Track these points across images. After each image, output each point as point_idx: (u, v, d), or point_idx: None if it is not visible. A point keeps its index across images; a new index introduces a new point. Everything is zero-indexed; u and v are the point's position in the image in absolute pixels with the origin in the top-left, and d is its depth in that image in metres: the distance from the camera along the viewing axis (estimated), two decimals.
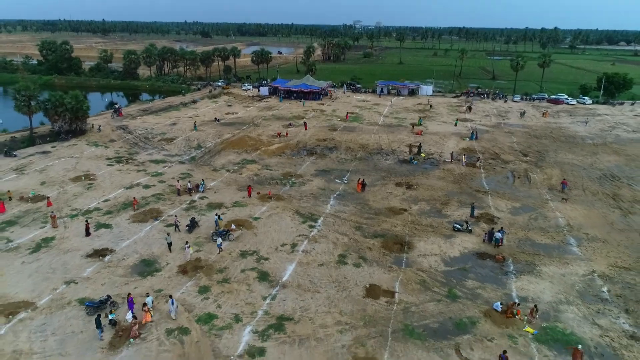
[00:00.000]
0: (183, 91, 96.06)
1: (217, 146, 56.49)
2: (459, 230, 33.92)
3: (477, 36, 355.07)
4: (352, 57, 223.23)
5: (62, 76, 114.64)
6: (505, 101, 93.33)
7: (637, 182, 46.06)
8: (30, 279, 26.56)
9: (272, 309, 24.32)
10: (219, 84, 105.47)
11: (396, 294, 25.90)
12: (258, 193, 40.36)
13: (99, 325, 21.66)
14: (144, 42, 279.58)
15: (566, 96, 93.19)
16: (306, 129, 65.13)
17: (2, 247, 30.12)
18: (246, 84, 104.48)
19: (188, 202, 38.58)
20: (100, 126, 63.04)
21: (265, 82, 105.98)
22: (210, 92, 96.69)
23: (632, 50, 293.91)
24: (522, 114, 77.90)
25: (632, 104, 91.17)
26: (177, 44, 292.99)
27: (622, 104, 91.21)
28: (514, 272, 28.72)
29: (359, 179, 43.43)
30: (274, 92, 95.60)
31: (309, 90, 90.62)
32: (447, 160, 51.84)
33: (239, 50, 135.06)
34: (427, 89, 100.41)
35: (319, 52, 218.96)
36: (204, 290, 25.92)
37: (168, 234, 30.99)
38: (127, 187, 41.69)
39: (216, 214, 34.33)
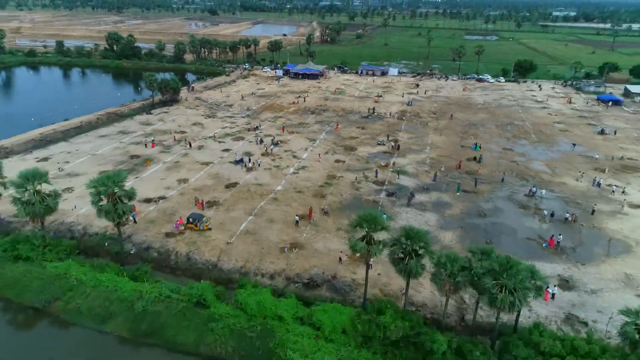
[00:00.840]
0: (227, 72, 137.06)
1: (259, 109, 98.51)
2: (379, 144, 76.41)
3: (460, 15, 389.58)
4: (347, 37, 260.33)
5: (129, 60, 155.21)
6: (446, 80, 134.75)
7: (483, 126, 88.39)
8: (204, 156, 69.05)
9: (298, 166, 66.87)
10: (246, 67, 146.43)
11: (347, 161, 68.50)
12: (288, 130, 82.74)
13: (240, 163, 64.34)
14: (160, 22, 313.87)
15: (488, 76, 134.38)
16: (305, 100, 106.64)
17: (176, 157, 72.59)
18: (266, 67, 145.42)
19: (255, 134, 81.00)
20: (186, 97, 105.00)
21: (279, 65, 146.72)
22: (241, 73, 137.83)
23: (595, 28, 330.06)
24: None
25: (532, 82, 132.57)
26: (188, 23, 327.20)
27: (525, 82, 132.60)
28: (396, 156, 71.32)
29: (337, 124, 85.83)
30: (286, 73, 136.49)
31: (310, 72, 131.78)
32: (387, 116, 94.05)
33: (257, 40, 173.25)
34: (393, 71, 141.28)
35: (318, 32, 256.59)
36: (273, 159, 68.51)
37: (258, 141, 73.48)
38: (222, 128, 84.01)
39: (272, 137, 76.74)
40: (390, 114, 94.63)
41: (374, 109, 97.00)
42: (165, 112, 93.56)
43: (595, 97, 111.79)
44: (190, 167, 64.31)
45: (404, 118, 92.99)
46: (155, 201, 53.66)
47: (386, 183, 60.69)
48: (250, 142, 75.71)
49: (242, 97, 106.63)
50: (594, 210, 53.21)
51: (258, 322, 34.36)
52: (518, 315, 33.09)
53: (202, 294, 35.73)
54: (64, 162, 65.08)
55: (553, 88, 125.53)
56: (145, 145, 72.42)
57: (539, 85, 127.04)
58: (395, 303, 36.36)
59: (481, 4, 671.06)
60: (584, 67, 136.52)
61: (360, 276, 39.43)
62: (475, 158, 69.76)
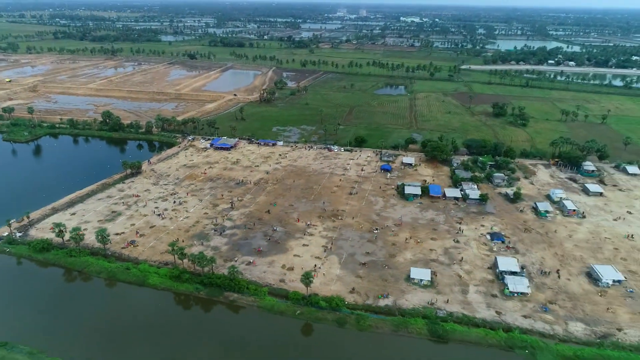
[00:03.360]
0: (177, 143, 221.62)
1: (183, 178, 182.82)
2: (231, 202, 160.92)
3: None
4: (283, 94, 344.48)
5: (116, 132, 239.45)
6: (309, 149, 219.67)
7: (295, 189, 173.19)
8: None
9: (185, 215, 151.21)
10: (190, 138, 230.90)
11: (209, 213, 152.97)
12: (190, 194, 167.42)
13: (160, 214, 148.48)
14: (146, 71, 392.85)
15: (336, 147, 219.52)
16: (209, 171, 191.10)
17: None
18: (202, 140, 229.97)
19: (173, 199, 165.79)
20: (145, 169, 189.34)
21: (209, 138, 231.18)
22: (184, 145, 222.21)
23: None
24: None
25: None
26: (169, 70, 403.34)
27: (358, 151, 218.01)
28: (232, 210, 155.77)
29: (221, 190, 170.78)
30: (211, 145, 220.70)
31: (224, 146, 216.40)
32: (249, 183, 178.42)
33: (198, 118, 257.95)
34: (279, 142, 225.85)
35: (266, 84, 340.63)
36: (176, 212, 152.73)
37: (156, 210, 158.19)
38: (159, 192, 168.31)
39: (174, 200, 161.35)
40: (250, 181, 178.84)
41: (242, 180, 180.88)
42: (132, 182, 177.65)
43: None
44: (135, 217, 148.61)
45: (258, 184, 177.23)
46: (121, 233, 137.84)
47: (220, 223, 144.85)
48: (166, 202, 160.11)
49: (177, 169, 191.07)
50: None
51: None
52: None
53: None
54: (82, 216, 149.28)
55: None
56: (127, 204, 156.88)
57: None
58: None
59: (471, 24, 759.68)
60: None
61: None
62: (268, 211, 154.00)
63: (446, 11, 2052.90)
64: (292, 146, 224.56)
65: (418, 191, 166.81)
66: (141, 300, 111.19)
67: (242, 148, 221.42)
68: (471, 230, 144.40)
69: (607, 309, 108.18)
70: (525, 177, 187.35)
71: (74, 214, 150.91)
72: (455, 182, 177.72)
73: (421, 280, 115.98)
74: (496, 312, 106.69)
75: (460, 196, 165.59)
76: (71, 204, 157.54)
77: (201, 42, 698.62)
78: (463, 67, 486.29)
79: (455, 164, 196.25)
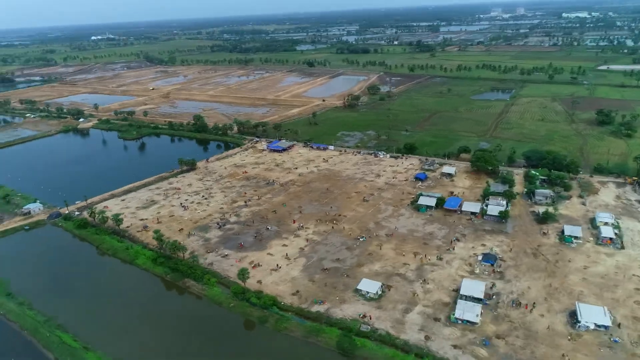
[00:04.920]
0: (244, 144, 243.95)
1: (226, 175, 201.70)
2: (246, 202, 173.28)
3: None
4: (371, 101, 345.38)
5: (201, 133, 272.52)
6: (375, 156, 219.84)
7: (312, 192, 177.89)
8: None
9: (205, 206, 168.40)
10: (256, 140, 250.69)
11: (224, 208, 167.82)
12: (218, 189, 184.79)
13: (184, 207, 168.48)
14: (265, 78, 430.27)
15: (382, 152, 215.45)
16: (248, 171, 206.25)
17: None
18: (264, 142, 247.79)
19: (203, 195, 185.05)
20: (200, 167, 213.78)
21: (272, 140, 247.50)
22: (248, 146, 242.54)
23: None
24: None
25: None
26: (286, 76, 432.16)
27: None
28: (247, 205, 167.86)
29: (244, 189, 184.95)
30: (267, 147, 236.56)
31: (278, 148, 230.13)
32: (277, 184, 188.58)
33: (267, 122, 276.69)
34: (331, 147, 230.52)
35: (365, 85, 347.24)
36: (201, 203, 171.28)
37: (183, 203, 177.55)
38: (199, 187, 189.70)
39: (203, 196, 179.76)
40: (279, 182, 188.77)
41: (272, 180, 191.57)
42: (183, 177, 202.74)
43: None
44: (165, 206, 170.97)
45: (285, 185, 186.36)
46: (145, 219, 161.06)
47: (226, 218, 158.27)
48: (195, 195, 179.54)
49: (225, 167, 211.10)
50: None
51: None
52: None
53: None
54: (128, 202, 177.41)
55: None
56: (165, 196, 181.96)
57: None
58: None
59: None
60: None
61: None
62: (275, 211, 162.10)
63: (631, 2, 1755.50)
64: (341, 151, 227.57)
65: (432, 202, 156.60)
66: (123, 274, 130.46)
67: (295, 151, 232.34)
68: (465, 249, 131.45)
69: (563, 354, 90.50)
70: (580, 196, 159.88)
71: (123, 200, 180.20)
72: (485, 196, 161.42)
73: (367, 292, 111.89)
74: (425, 336, 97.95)
75: (478, 211, 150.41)
76: (127, 192, 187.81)
77: (330, 50, 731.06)
78: (601, 67, 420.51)
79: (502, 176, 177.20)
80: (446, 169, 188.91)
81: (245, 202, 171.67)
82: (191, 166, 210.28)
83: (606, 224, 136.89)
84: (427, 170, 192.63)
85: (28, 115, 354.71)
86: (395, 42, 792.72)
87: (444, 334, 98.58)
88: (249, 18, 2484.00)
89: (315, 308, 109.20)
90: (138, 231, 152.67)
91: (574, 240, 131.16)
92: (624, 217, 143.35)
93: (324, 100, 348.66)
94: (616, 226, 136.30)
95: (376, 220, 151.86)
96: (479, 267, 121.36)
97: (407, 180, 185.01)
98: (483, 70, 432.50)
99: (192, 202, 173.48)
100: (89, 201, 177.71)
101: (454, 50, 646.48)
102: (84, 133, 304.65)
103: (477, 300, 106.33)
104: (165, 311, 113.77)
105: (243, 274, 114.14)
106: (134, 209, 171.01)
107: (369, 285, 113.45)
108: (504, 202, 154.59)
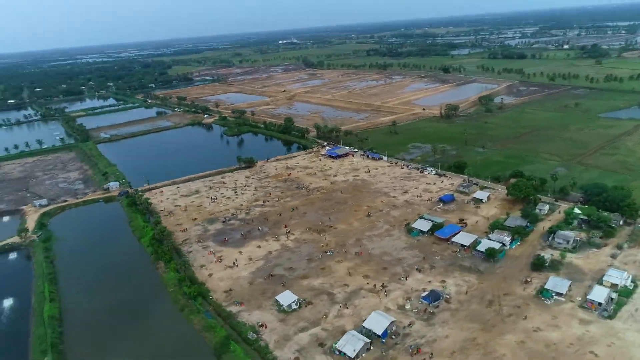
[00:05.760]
0: (312, 147, 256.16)
1: (269, 175, 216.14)
2: (266, 201, 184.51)
3: None
4: (476, 113, 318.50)
5: (286, 134, 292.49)
6: (421, 171, 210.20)
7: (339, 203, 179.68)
8: None
9: (233, 199, 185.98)
10: (324, 145, 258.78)
11: (253, 201, 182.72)
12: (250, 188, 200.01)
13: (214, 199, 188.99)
14: (391, 82, 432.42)
15: (431, 168, 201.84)
16: (292, 174, 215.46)
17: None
18: (327, 147, 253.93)
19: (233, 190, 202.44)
20: (258, 165, 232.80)
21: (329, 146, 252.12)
22: (312, 150, 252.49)
23: None
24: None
25: None
26: (412, 82, 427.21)
27: None
28: (265, 205, 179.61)
29: (273, 189, 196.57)
30: (334, 154, 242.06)
31: (333, 155, 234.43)
32: (306, 189, 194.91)
33: (338, 128, 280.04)
34: (385, 158, 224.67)
35: (503, 93, 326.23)
36: (231, 197, 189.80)
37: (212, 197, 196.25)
38: (242, 181, 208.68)
39: (234, 190, 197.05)
40: (308, 187, 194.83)
41: (307, 188, 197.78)
42: (237, 172, 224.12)
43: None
44: (201, 197, 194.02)
45: (311, 191, 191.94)
46: (178, 206, 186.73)
47: (235, 215, 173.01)
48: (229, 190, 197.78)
49: (276, 168, 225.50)
50: None
51: None
52: None
53: None
54: (178, 189, 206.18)
55: None
56: (213, 198, 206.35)
57: None
58: None
59: None
60: None
61: None
62: (280, 214, 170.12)
63: None
64: (392, 162, 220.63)
65: (426, 228, 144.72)
66: (127, 246, 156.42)
67: (349, 159, 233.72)
68: (419, 282, 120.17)
69: None
70: (619, 247, 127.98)
71: (178, 187, 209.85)
72: (492, 228, 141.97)
73: (282, 304, 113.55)
74: (295, 358, 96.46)
75: (468, 244, 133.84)
76: (186, 180, 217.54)
77: (482, 55, 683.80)
78: None
79: (540, 209, 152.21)
80: (478, 193, 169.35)
81: (263, 201, 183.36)
82: (249, 164, 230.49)
83: (612, 285, 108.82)
84: (461, 192, 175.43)
85: (176, 109, 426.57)
86: (565, 46, 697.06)
87: (315, 357, 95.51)
88: (431, 20, 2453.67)
89: (231, 308, 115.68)
90: (164, 215, 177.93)
91: (555, 296, 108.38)
92: None
93: (424, 109, 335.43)
94: (625, 291, 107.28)
95: (360, 237, 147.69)
96: (411, 304, 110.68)
97: (430, 200, 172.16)
98: (638, 82, 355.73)
99: (223, 196, 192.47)
100: (152, 185, 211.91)
101: (633, 56, 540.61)
102: (205, 127, 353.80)
103: (376, 335, 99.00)
104: (130, 280, 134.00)
105: (183, 264, 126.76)
106: (179, 196, 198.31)
107: (287, 298, 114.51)
108: (508, 239, 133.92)
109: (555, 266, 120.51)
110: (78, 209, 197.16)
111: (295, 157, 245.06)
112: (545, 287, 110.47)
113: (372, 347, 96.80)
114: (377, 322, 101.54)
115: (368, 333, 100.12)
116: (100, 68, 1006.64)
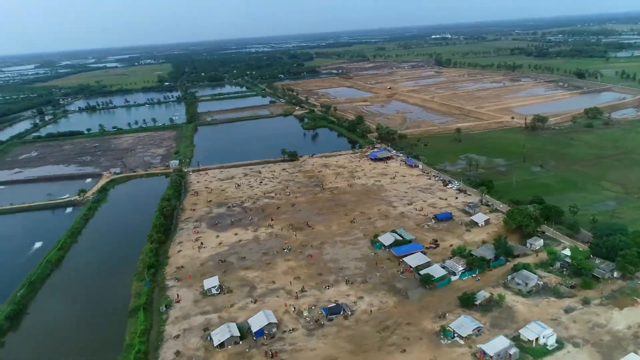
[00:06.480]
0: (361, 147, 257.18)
1: (299, 171, 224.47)
2: (271, 194, 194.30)
3: None
4: (575, 126, 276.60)
5: (349, 131, 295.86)
6: (445, 184, 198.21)
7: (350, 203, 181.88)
8: None
9: (263, 188, 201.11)
10: (376, 146, 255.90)
11: (270, 188, 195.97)
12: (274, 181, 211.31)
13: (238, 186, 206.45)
14: (518, 84, 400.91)
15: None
16: (321, 171, 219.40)
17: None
18: (374, 148, 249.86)
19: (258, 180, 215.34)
20: (302, 158, 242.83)
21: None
22: (363, 149, 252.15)
23: None
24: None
25: None
26: (543, 86, 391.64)
27: None
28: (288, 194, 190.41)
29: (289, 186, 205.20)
30: (374, 156, 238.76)
31: (373, 157, 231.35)
32: (325, 188, 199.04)
33: (405, 134, 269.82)
34: (420, 166, 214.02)
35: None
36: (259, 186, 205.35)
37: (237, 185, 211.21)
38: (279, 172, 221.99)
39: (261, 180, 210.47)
40: (323, 187, 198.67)
41: (323, 187, 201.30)
42: (278, 165, 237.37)
43: None
44: (230, 183, 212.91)
45: (323, 190, 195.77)
46: (207, 188, 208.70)
47: (242, 201, 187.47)
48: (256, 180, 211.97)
49: (313, 164, 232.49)
50: None
51: None
52: None
53: None
54: (221, 173, 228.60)
55: None
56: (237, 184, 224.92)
57: None
58: None
59: None
60: None
61: None
62: (278, 207, 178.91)
63: None
64: (424, 172, 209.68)
65: (389, 242, 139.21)
66: (146, 215, 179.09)
67: (388, 162, 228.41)
68: (338, 294, 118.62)
69: None
70: (584, 302, 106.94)
71: (221, 171, 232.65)
72: (453, 255, 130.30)
73: (204, 288, 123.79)
74: (177, 335, 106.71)
75: (413, 267, 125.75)
76: (231, 166, 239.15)
77: None
78: None
79: (530, 243, 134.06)
80: (477, 216, 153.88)
81: (275, 194, 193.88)
82: (292, 157, 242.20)
83: (527, 340, 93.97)
84: (466, 212, 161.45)
85: (281, 99, 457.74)
86: None
87: (170, 344, 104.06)
88: (617, 16, 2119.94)
89: (169, 282, 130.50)
90: (191, 194, 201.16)
91: (455, 338, 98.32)
92: (590, 349, 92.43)
93: (512, 118, 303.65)
94: (538, 350, 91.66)
95: (326, 241, 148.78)
96: (310, 312, 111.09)
97: (426, 215, 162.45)
98: None
99: (248, 185, 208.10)
100: (202, 167, 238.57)
101: None
102: (295, 118, 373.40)
103: (251, 332, 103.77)
104: (126, 245, 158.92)
105: (180, 242, 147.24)
106: (216, 179, 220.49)
107: (211, 283, 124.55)
108: (460, 269, 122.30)
109: (488, 307, 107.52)
110: (140, 180, 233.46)
111: (340, 155, 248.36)
112: (450, 325, 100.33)
113: (240, 342, 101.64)
114: (258, 321, 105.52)
115: (247, 328, 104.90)
116: (253, 58, 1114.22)
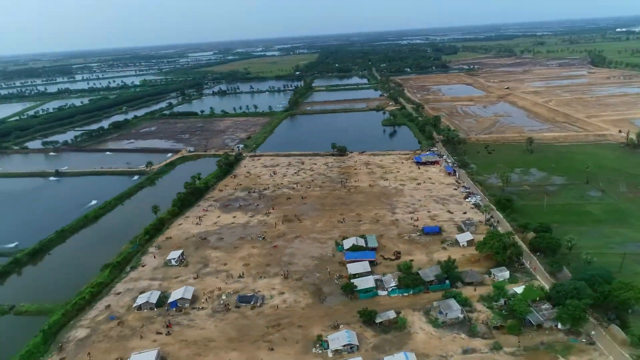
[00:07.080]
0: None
1: (339, 166, 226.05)
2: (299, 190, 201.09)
3: None
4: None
5: (421, 132, 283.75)
6: (465, 193, 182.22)
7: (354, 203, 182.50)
8: None
9: (292, 176, 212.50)
10: (431, 148, 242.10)
11: (289, 179, 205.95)
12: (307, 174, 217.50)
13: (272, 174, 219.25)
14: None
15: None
16: (356, 170, 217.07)
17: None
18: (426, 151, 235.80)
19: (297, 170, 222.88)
20: (349, 154, 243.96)
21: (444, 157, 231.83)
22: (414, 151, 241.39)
23: None
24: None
25: None
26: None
27: None
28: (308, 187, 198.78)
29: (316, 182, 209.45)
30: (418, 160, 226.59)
31: (417, 160, 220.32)
32: (344, 186, 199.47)
33: (465, 140, 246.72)
34: (458, 174, 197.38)
35: None
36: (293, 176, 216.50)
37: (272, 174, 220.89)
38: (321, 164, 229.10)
39: (296, 170, 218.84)
40: (344, 184, 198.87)
41: (345, 184, 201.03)
42: (325, 158, 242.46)
43: None
44: (272, 172, 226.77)
45: (343, 189, 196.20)
46: (247, 172, 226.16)
47: (261, 189, 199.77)
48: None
49: (356, 161, 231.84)
50: None
51: None
52: None
53: None
54: (266, 161, 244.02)
55: None
56: (273, 173, 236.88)
57: None
58: None
59: None
60: None
61: None
62: (288, 198, 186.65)
63: None
64: (458, 181, 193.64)
65: (347, 245, 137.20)
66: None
67: (430, 166, 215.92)
68: (266, 285, 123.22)
69: None
70: (495, 347, 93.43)
71: (273, 159, 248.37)
72: (398, 270, 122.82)
73: (171, 259, 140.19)
74: (119, 292, 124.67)
75: (351, 274, 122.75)
76: (285, 155, 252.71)
77: None
78: None
79: (495, 274, 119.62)
80: (462, 235, 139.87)
81: (296, 185, 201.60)
82: (340, 152, 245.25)
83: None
84: (461, 229, 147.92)
85: (383, 94, 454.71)
86: None
87: (109, 299, 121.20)
88: None
89: (151, 249, 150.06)
90: (231, 177, 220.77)
91: (328, 350, 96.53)
92: None
93: (620, 131, 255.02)
94: None
95: (301, 235, 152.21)
96: (227, 297, 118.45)
97: (417, 226, 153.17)
98: None
99: (283, 175, 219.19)
100: (258, 152, 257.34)
101: None
102: (383, 114, 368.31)
103: (168, 303, 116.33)
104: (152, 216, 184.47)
105: (187, 217, 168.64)
106: (263, 165, 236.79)
107: (174, 255, 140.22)
108: (393, 284, 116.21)
109: (388, 328, 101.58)
110: (205, 159, 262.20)
111: (388, 155, 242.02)
112: (327, 337, 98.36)
113: (155, 309, 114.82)
114: (177, 294, 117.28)
115: (167, 298, 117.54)
116: (395, 50, 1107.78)
